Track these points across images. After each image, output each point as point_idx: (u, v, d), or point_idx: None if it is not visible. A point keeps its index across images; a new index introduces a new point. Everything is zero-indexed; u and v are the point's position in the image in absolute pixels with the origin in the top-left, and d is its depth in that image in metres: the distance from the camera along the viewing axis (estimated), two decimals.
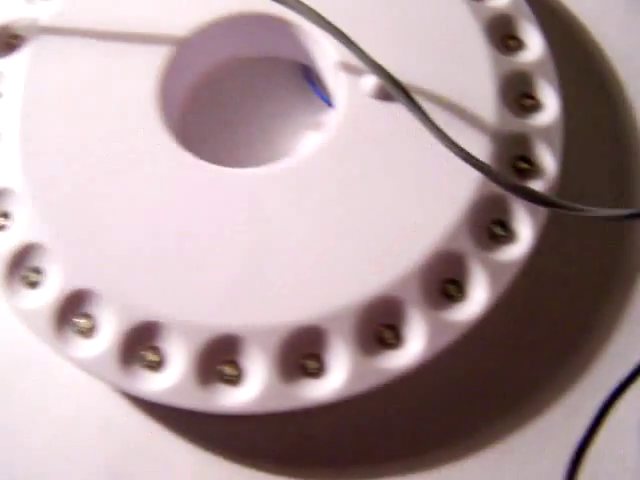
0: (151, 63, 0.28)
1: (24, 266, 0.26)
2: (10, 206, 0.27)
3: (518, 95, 0.28)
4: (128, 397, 0.26)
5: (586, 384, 0.26)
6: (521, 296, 0.26)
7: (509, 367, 0.26)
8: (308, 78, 0.31)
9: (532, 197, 0.25)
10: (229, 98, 0.31)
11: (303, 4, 0.26)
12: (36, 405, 0.27)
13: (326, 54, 0.28)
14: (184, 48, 0.29)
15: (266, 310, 0.24)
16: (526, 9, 0.29)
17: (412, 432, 0.26)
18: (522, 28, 0.29)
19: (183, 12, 0.29)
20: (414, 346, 0.24)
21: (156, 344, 0.24)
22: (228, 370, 0.24)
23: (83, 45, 0.29)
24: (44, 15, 0.30)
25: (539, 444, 0.25)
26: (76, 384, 0.27)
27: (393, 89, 0.25)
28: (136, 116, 0.27)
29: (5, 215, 0.27)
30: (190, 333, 0.24)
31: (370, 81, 0.26)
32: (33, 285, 0.26)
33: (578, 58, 0.32)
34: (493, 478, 0.25)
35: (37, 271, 0.26)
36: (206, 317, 0.24)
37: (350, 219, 0.25)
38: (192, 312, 0.24)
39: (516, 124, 0.27)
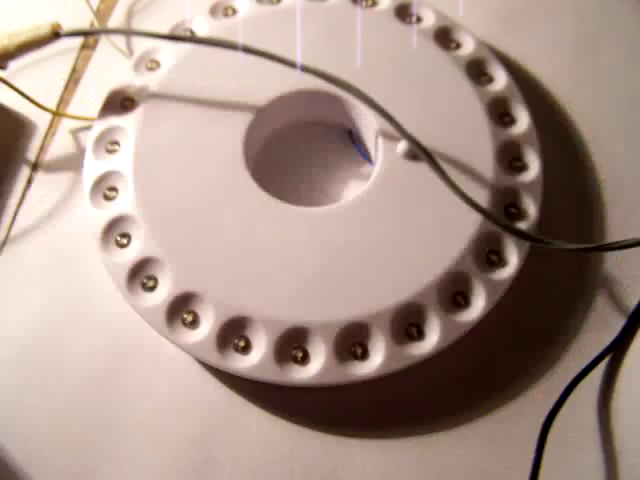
0: (237, 124, 0.37)
1: (142, 274, 0.34)
2: (129, 229, 0.35)
3: (510, 158, 0.36)
4: (216, 374, 0.34)
5: (556, 371, 0.34)
6: (509, 305, 0.34)
7: (499, 357, 0.35)
8: (352, 139, 0.40)
9: (518, 234, 0.33)
10: (292, 152, 0.39)
11: (353, 86, 0.35)
12: (145, 381, 0.35)
13: (368, 122, 0.37)
14: (261, 113, 0.37)
15: (326, 310, 0.32)
16: (517, 92, 0.38)
17: (428, 404, 0.34)
18: (514, 107, 0.37)
19: (261, 87, 0.37)
20: (432, 339, 0.32)
21: (244, 333, 0.33)
22: (297, 353, 0.32)
23: (183, 107, 0.37)
24: (151, 83, 0.38)
25: (520, 415, 0.34)
26: (176, 365, 0.35)
27: (420, 152, 0.34)
28: (225, 162, 0.36)
29: (126, 235, 0.35)
30: (270, 325, 0.32)
31: (402, 145, 0.35)
32: (150, 289, 0.34)
33: (555, 130, 0.40)
34: (488, 441, 0.33)
35: (152, 278, 0.34)
36: (282, 313, 0.32)
37: (387, 246, 0.34)
38: (272, 310, 0.32)
39: (508, 180, 0.35)
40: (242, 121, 0.37)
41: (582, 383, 0.33)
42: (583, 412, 0.34)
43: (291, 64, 0.36)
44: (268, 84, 0.37)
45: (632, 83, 0.41)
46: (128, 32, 0.42)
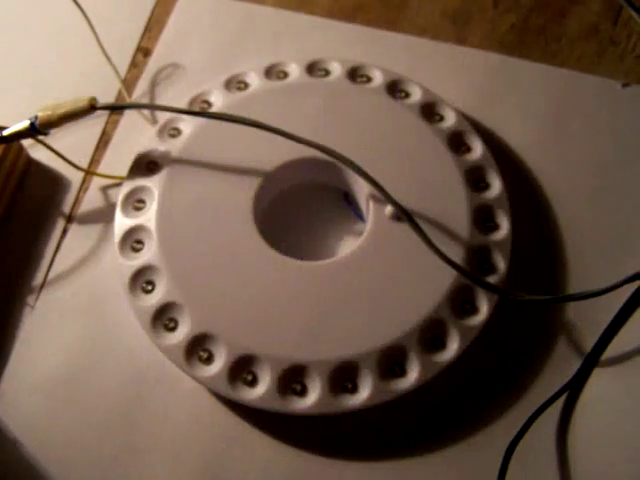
0: (248, 187, 0.42)
1: (164, 317, 0.39)
2: (154, 277, 0.40)
3: (483, 220, 0.41)
4: (226, 404, 0.39)
5: (519, 405, 0.39)
6: (480, 348, 0.39)
7: (470, 392, 0.40)
8: (347, 200, 0.45)
9: (489, 287, 0.39)
10: (295, 211, 0.44)
11: (346, 157, 0.40)
12: (164, 409, 0.40)
13: (361, 187, 0.42)
14: (268, 177, 0.42)
15: (322, 350, 0.37)
16: (492, 161, 0.43)
17: (408, 432, 0.39)
18: (489, 175, 0.43)
19: (268, 155, 0.42)
20: (412, 377, 0.37)
21: (251, 369, 0.38)
22: (297, 387, 0.37)
23: (201, 171, 0.43)
24: (173, 149, 0.44)
25: (486, 444, 0.38)
26: (191, 396, 0.40)
27: (404, 216, 0.39)
28: (237, 220, 0.41)
29: (150, 283, 0.40)
30: (274, 362, 0.37)
31: (389, 209, 0.40)
32: (171, 329, 0.39)
33: (525, 194, 0.45)
34: (457, 465, 0.38)
35: (173, 320, 0.39)
36: (284, 353, 0.37)
37: (375, 295, 0.39)
38: (276, 349, 0.38)
39: (481, 239, 0.40)
40: (252, 184, 0.42)
41: (542, 416, 0.38)
42: (543, 442, 0.38)
43: (293, 138, 0.41)
44: (275, 152, 0.43)
45: (593, 153, 0.46)
46: (154, 107, 0.48)
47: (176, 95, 0.49)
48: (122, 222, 0.42)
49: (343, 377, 0.37)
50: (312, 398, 0.37)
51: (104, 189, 0.47)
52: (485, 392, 0.40)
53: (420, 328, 0.38)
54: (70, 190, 0.47)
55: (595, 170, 0.46)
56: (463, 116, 0.45)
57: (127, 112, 0.49)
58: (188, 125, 0.45)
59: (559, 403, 0.39)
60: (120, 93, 0.50)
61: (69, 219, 0.46)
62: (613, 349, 0.40)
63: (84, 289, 0.43)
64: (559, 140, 0.47)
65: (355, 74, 0.46)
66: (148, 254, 0.41)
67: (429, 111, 0.45)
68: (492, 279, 0.40)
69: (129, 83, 0.51)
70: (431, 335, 0.38)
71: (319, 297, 0.39)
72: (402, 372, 0.38)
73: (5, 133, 0.42)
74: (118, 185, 0.46)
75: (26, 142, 0.46)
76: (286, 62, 0.47)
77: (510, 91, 0.48)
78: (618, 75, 0.49)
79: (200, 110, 0.45)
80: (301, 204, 0.45)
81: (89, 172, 0.47)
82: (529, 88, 0.49)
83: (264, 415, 0.38)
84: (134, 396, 0.40)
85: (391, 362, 0.38)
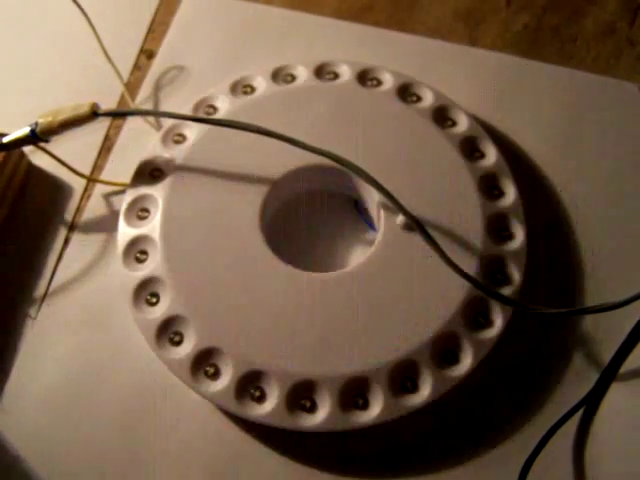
0: (254, 195, 0.41)
1: (169, 330, 0.38)
2: (158, 289, 0.39)
3: (497, 229, 0.40)
4: (233, 420, 0.38)
5: (535, 421, 0.38)
6: (494, 362, 0.38)
7: (483, 408, 0.39)
8: (358, 209, 0.44)
9: (502, 299, 0.37)
10: (303, 220, 0.43)
11: (355, 165, 0.38)
12: (170, 425, 0.39)
13: (371, 195, 0.41)
14: (275, 185, 0.41)
15: (332, 365, 0.36)
16: (506, 168, 0.42)
17: (420, 449, 0.38)
18: (502, 182, 0.41)
19: (275, 162, 0.41)
20: (424, 392, 0.36)
21: (259, 384, 0.37)
22: (306, 403, 0.36)
23: (207, 179, 0.41)
24: (178, 155, 0.43)
25: (501, 461, 0.37)
26: (198, 411, 0.39)
27: (415, 226, 0.38)
28: (244, 230, 0.40)
29: (155, 295, 0.39)
30: (283, 378, 0.36)
31: (400, 218, 0.39)
32: (176, 343, 0.38)
33: (541, 201, 0.44)
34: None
35: (178, 334, 0.38)
36: (293, 368, 0.36)
37: (386, 308, 0.38)
38: (284, 364, 0.36)
39: (495, 249, 0.39)
40: (259, 192, 0.41)
41: (559, 432, 0.37)
42: (560, 458, 0.37)
43: (301, 145, 0.40)
44: (282, 159, 0.41)
45: (610, 158, 0.45)
46: (157, 114, 0.47)
47: (181, 99, 0.48)
48: (125, 232, 0.41)
49: (353, 393, 0.36)
50: (321, 414, 0.36)
51: (107, 196, 0.46)
52: (500, 408, 0.39)
53: (432, 342, 0.37)
54: (72, 197, 0.46)
55: (612, 176, 0.44)
56: (476, 120, 0.44)
57: (130, 117, 0.48)
58: (193, 131, 0.43)
59: (576, 418, 0.38)
60: (123, 97, 0.48)
61: (71, 227, 0.45)
62: (631, 363, 0.39)
63: (87, 300, 0.42)
64: (575, 144, 0.46)
65: (365, 77, 0.45)
66: (152, 265, 0.40)
67: (441, 116, 0.44)
68: (507, 291, 0.38)
69: (132, 86, 0.49)
70: (444, 349, 0.37)
71: (328, 310, 0.38)
72: (414, 387, 0.37)
73: (5, 140, 0.41)
74: (121, 192, 0.44)
75: (27, 148, 0.45)
76: (293, 65, 0.46)
77: (524, 94, 0.47)
78: (635, 77, 0.47)
79: (205, 115, 0.44)
80: (310, 213, 0.44)
81: (92, 179, 0.46)
82: (543, 91, 0.47)
83: (272, 432, 0.37)
84: (138, 410, 0.39)
85: (403, 377, 0.37)
